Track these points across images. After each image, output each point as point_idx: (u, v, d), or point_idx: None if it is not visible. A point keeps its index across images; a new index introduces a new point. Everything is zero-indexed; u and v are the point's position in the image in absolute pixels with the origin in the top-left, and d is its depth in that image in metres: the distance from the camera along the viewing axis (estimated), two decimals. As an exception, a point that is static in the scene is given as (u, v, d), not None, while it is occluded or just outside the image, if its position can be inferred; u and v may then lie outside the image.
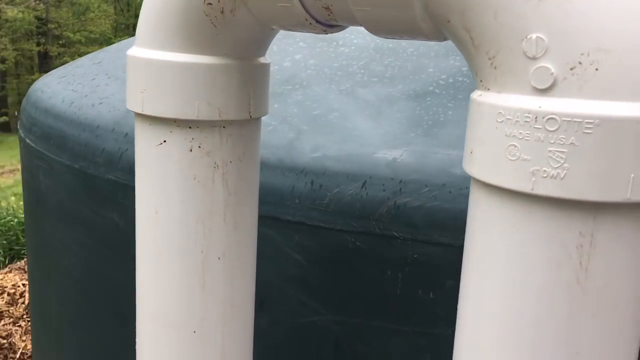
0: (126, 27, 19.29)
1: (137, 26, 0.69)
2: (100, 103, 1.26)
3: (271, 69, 1.19)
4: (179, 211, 0.69)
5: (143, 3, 0.69)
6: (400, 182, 0.91)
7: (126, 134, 1.14)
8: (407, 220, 0.89)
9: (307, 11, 0.58)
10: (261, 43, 0.69)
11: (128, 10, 19.36)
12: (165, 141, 0.68)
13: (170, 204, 0.69)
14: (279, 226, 0.96)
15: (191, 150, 0.68)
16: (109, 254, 1.20)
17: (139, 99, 0.67)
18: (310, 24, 0.59)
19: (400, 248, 0.90)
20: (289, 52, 1.23)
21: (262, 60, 0.71)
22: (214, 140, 0.68)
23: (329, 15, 0.57)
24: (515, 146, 0.45)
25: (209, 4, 0.62)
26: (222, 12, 0.62)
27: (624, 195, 0.43)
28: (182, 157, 0.68)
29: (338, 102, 1.07)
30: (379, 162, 0.93)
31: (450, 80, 1.07)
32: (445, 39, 0.53)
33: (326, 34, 0.62)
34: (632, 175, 0.43)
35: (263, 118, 1.05)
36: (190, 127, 0.67)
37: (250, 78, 0.68)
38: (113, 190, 1.14)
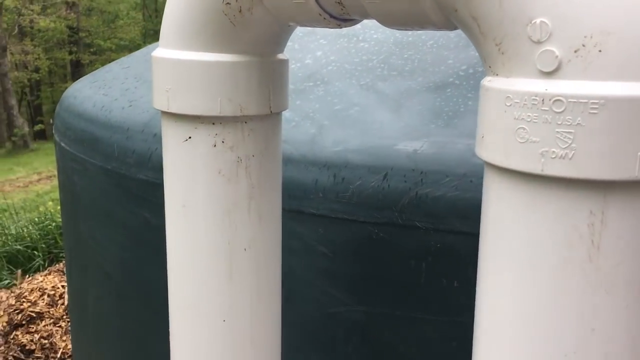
0: (155, 33, 19.59)
1: (160, 28, 0.72)
2: (130, 106, 1.30)
3: (293, 66, 1.21)
4: (206, 204, 0.72)
5: (166, 6, 0.71)
6: (422, 172, 0.92)
7: (155, 135, 1.18)
8: (429, 210, 0.90)
9: (321, 7, 0.60)
10: (279, 39, 0.71)
11: (156, 17, 19.66)
12: (190, 137, 0.71)
13: (197, 198, 0.72)
14: (304, 219, 0.98)
15: (215, 145, 0.70)
16: (141, 251, 1.24)
17: (164, 97, 0.70)
18: (325, 19, 0.61)
19: (422, 238, 0.91)
20: (310, 49, 1.25)
21: (280, 56, 0.73)
22: (236, 135, 0.71)
23: (342, 9, 0.59)
24: (524, 129, 0.46)
25: (228, 3, 0.64)
26: (240, 11, 0.65)
27: (631, 173, 0.44)
28: (206, 152, 0.71)
29: (358, 96, 1.09)
30: (399, 154, 0.94)
31: (470, 71, 1.07)
32: (455, 27, 0.55)
33: (340, 27, 0.64)
34: (639, 153, 0.43)
35: (286, 114, 1.08)
36: (213, 123, 0.70)
37: (269, 74, 0.71)
38: (144, 189, 1.18)
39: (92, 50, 17.67)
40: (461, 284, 0.90)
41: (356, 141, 0.99)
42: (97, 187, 1.33)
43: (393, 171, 0.93)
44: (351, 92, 1.10)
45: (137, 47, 17.54)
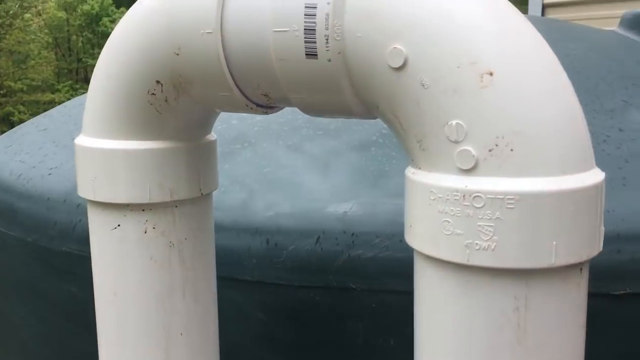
0: (69, 72, 19.01)
1: (83, 115, 0.71)
2: (50, 174, 1.26)
3: (219, 127, 1.22)
4: (138, 292, 0.70)
5: (88, 93, 0.70)
6: (352, 234, 0.94)
7: (78, 205, 1.14)
8: (362, 271, 0.92)
9: (247, 98, 0.61)
10: (207, 123, 0.72)
11: (70, 55, 19.11)
12: (119, 225, 0.69)
13: (129, 286, 0.71)
14: (238, 287, 0.97)
15: (146, 232, 0.69)
16: (69, 326, 1.19)
17: (90, 186, 0.69)
18: (252, 108, 0.62)
19: (358, 299, 0.92)
20: (235, 109, 1.26)
21: (209, 137, 0.74)
22: (167, 220, 0.70)
23: (268, 100, 0.61)
24: (448, 222, 0.49)
25: (153, 94, 0.64)
26: (166, 100, 0.65)
27: (549, 261, 0.47)
28: (137, 239, 0.69)
29: (287, 158, 1.10)
30: (330, 217, 0.96)
31: (392, 129, 1.11)
32: (376, 117, 0.57)
33: (267, 114, 0.65)
34: (554, 242, 0.47)
35: (215, 179, 1.08)
36: (143, 210, 0.69)
37: (198, 157, 0.71)
38: (69, 262, 1.14)
39: (2, 92, 16.91)
40: (399, 342, 0.92)
41: (287, 205, 1.00)
42: (17, 260, 1.27)
43: (325, 234, 0.95)
44: (279, 154, 1.11)
45: (51, 86, 16.94)
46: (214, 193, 0.99)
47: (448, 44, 0.48)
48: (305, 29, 0.52)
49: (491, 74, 0.47)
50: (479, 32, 0.48)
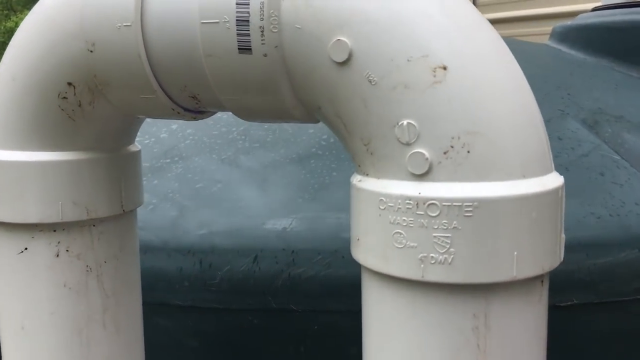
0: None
1: (-17, 124, 0.62)
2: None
3: (147, 141, 1.13)
4: (51, 324, 0.62)
5: (-11, 98, 0.62)
6: (293, 252, 0.88)
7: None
8: (303, 291, 0.86)
9: (173, 101, 0.54)
10: (128, 131, 0.64)
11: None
12: (26, 248, 0.61)
13: (40, 318, 0.62)
14: (169, 312, 0.89)
15: (58, 255, 0.61)
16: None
17: (-8, 204, 0.60)
18: (179, 112, 0.56)
19: (299, 321, 0.86)
20: (165, 122, 1.18)
21: (131, 148, 0.66)
22: (83, 241, 0.62)
23: (197, 103, 0.54)
24: (400, 233, 0.44)
25: (64, 97, 0.57)
26: (79, 105, 0.57)
27: (510, 274, 0.43)
28: (48, 264, 0.61)
29: (221, 172, 1.03)
30: (269, 234, 0.90)
31: (332, 140, 1.07)
32: (319, 121, 0.52)
33: (196, 120, 0.59)
34: (515, 253, 0.43)
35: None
36: (55, 230, 0.61)
37: (119, 170, 0.63)
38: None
39: None
40: (343, 365, 0.86)
41: (222, 222, 0.93)
42: None
43: (263, 253, 0.89)
44: (212, 168, 1.04)
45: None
46: (140, 210, 0.91)
47: (397, 35, 0.43)
48: (237, 20, 0.46)
49: (444, 68, 0.42)
50: (431, 23, 0.44)
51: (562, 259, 0.47)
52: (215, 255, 0.89)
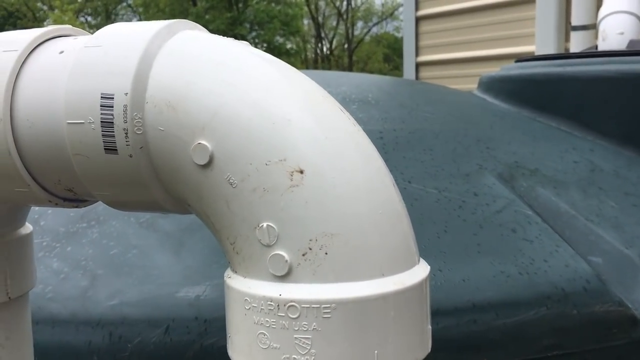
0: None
1: None
2: None
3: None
4: None
5: None
6: (205, 321, 0.87)
7: None
8: (216, 361, 0.85)
9: (50, 193, 0.54)
10: (12, 218, 0.63)
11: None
12: None
13: None
14: (77, 389, 0.87)
15: (-63, 349, 0.59)
16: None
17: None
18: (57, 203, 0.55)
19: (211, 394, 0.85)
20: (85, 184, 1.16)
21: (20, 232, 0.65)
22: (-35, 333, 0.60)
23: (74, 195, 0.54)
24: (264, 334, 0.44)
25: (-61, 189, 0.55)
26: (-44, 196, 0.56)
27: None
28: None
29: (137, 236, 1.02)
30: (181, 303, 0.89)
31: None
32: (192, 213, 0.52)
33: (79, 208, 0.58)
34: (376, 352, 0.43)
35: (54, 265, 0.97)
36: None
37: (4, 257, 0.62)
38: None
39: None
40: None
41: (134, 291, 0.91)
42: None
43: (175, 323, 0.87)
44: (129, 232, 1.03)
45: None
46: (51, 280, 0.89)
47: (255, 139, 0.44)
48: (102, 122, 0.46)
49: (301, 171, 0.43)
50: (289, 126, 0.44)
51: (429, 349, 0.48)
52: (125, 326, 0.87)
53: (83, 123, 0.47)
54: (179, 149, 0.46)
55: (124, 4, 25.18)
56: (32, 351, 0.69)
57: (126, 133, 0.46)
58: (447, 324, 0.89)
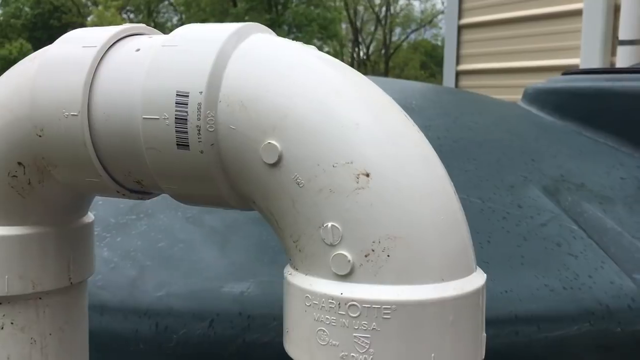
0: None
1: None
2: None
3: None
4: (-10, 398, 0.62)
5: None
6: (249, 317, 0.89)
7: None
8: (258, 357, 0.87)
9: (119, 184, 0.56)
10: (78, 206, 0.66)
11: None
12: (-29, 320, 0.61)
13: (-20, 390, 0.62)
14: (123, 375, 0.89)
15: (2, 328, 0.62)
16: None
17: (-61, 276, 0.61)
18: (124, 194, 0.57)
19: (253, 388, 0.86)
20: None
21: (83, 220, 0.68)
22: (28, 314, 0.63)
23: (141, 187, 0.56)
24: (324, 331, 0.45)
25: (14, 176, 0.58)
26: (29, 183, 0.59)
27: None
28: (-8, 336, 0.61)
29: (184, 231, 1.04)
30: (225, 298, 0.91)
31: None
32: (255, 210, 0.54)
33: (143, 200, 0.60)
34: (433, 355, 0.44)
35: (105, 254, 1.00)
36: (0, 303, 0.61)
37: (68, 243, 0.64)
38: None
39: None
40: None
41: (180, 284, 0.93)
42: None
43: (219, 317, 0.89)
44: (176, 227, 1.06)
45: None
46: (101, 269, 0.92)
47: (324, 141, 0.45)
48: (176, 118, 0.48)
49: (367, 175, 0.44)
50: (358, 131, 0.46)
51: (483, 356, 0.48)
52: (171, 317, 0.90)
53: (158, 119, 0.49)
54: (249, 147, 0.47)
55: (166, 2, 25.63)
56: (87, 336, 0.72)
57: (199, 130, 0.48)
58: (488, 334, 0.88)
